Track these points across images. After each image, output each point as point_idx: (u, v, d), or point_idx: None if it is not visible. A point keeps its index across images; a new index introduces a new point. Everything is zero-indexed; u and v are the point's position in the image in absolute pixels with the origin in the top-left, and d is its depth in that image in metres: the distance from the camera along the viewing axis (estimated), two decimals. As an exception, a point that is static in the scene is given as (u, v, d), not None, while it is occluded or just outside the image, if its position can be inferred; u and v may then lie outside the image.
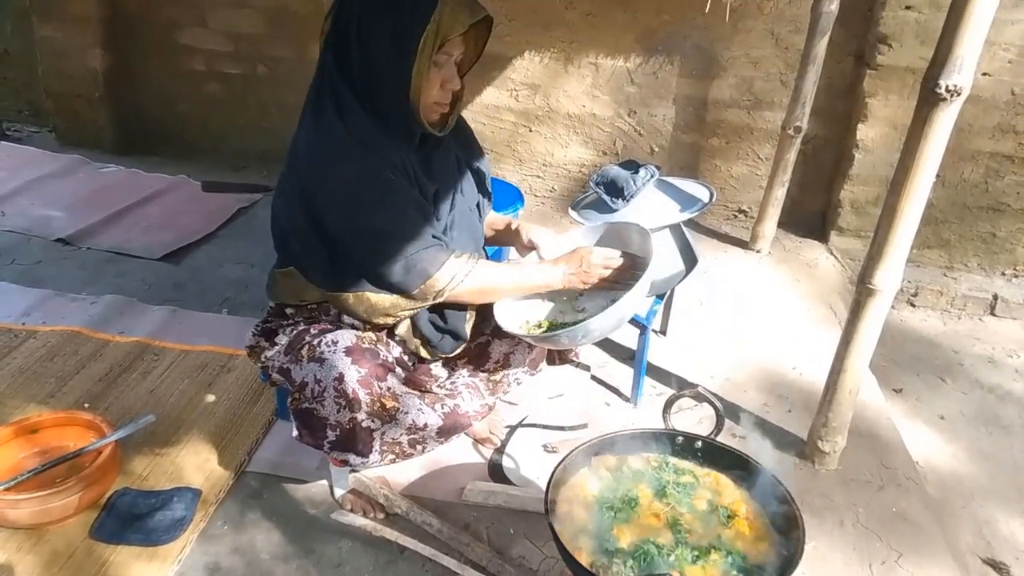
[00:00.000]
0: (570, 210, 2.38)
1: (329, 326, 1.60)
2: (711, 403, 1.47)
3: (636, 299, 1.52)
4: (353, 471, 1.76)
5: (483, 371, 1.75)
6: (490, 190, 1.80)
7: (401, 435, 1.55)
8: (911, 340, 3.05)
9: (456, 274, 1.48)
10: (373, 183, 1.43)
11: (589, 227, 1.86)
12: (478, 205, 1.74)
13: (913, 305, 3.27)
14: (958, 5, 1.50)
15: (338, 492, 1.82)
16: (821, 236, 3.45)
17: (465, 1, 1.40)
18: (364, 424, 1.49)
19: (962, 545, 2.03)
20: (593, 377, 2.34)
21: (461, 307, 1.65)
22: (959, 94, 1.56)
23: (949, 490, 2.25)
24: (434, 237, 1.48)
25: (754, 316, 2.74)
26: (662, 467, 1.48)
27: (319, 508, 1.81)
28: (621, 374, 2.35)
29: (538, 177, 3.82)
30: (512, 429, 2.10)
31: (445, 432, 1.60)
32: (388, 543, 1.68)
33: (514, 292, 1.62)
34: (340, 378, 1.46)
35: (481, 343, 1.76)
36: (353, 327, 1.59)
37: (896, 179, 1.70)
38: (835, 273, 3.19)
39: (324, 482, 1.85)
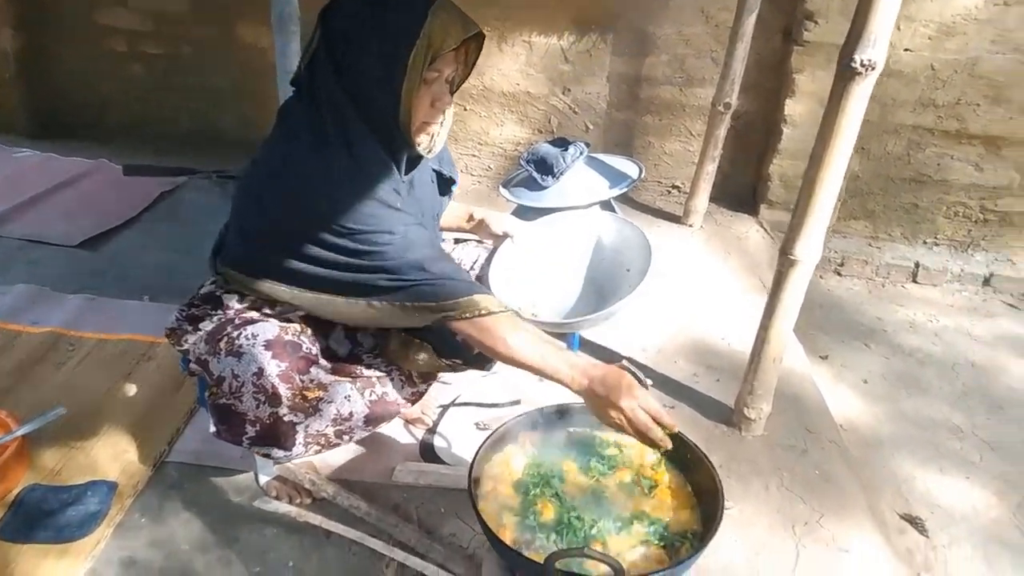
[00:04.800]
0: (501, 188, 2.37)
1: (255, 316, 1.53)
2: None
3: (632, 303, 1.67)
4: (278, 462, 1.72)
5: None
6: (452, 191, 1.73)
7: (326, 427, 1.51)
8: (837, 308, 3.14)
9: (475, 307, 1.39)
10: (384, 214, 1.37)
11: (575, 213, 1.94)
12: (439, 212, 1.70)
13: (840, 274, 3.37)
14: (871, -17, 1.53)
15: (263, 479, 1.78)
16: (752, 210, 3.52)
17: (457, 14, 1.32)
18: (286, 418, 1.45)
19: (882, 502, 2.11)
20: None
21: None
22: (873, 68, 1.59)
23: (870, 450, 2.33)
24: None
25: (686, 289, 2.77)
26: (587, 441, 1.48)
27: (243, 496, 1.76)
28: (554, 350, 2.35)
29: (474, 156, 3.79)
30: (444, 408, 2.09)
31: (373, 421, 1.57)
32: (314, 528, 1.66)
33: (531, 367, 1.40)
34: (259, 373, 1.42)
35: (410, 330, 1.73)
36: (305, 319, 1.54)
37: (815, 152, 1.73)
38: (764, 245, 3.26)
39: (248, 470, 1.80)
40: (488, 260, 1.86)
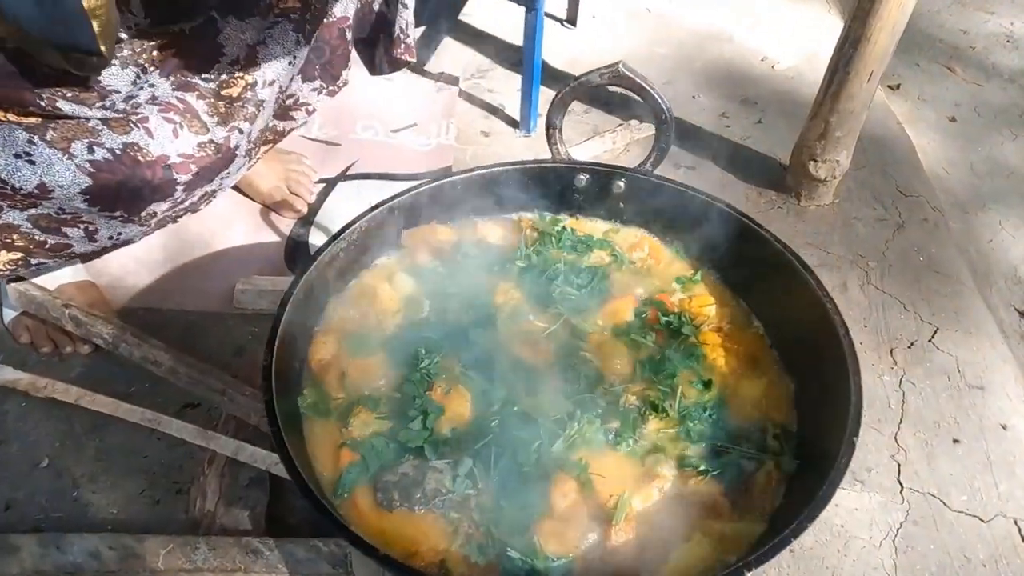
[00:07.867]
0: None
1: None
2: (643, 90, 0.68)
3: None
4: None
5: (204, 78, 0.90)
6: None
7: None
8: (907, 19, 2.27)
9: None
10: None
11: None
12: None
13: (908, -26, 2.44)
14: None
15: (7, 315, 1.06)
16: None
17: None
18: None
19: (994, 294, 1.43)
20: (463, 93, 1.51)
21: None
22: None
23: (968, 217, 1.61)
24: None
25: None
26: (546, 238, 0.72)
27: (-25, 347, 1.05)
28: (507, 86, 1.56)
29: None
30: (329, 184, 1.32)
31: (114, 199, 0.83)
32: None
33: None
34: None
35: (199, 26, 0.88)
36: None
37: None
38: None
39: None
40: None
